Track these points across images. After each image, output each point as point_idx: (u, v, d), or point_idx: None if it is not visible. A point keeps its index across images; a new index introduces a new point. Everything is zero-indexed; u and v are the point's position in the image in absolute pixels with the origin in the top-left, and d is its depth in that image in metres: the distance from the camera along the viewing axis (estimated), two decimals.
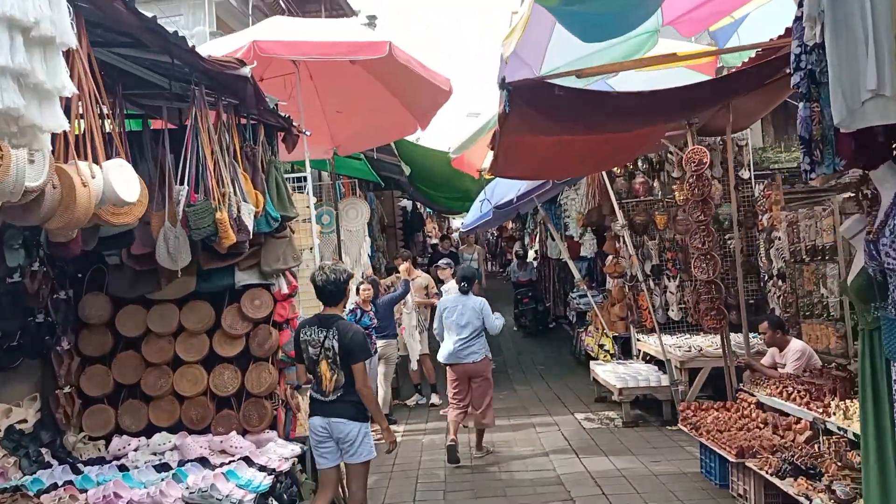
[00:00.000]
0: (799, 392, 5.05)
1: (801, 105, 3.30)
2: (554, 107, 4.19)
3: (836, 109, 3.09)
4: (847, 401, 4.53)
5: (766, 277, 9.07)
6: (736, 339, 7.99)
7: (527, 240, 18.83)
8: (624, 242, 9.37)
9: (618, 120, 4.66)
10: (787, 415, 5.11)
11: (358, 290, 8.20)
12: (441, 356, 7.04)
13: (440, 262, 9.75)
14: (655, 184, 9.55)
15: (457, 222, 27.99)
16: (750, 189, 9.57)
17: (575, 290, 13.61)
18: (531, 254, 16.60)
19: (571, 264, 10.03)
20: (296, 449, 5.22)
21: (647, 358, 9.12)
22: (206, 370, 5.40)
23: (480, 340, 6.89)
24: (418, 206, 21.50)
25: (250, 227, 4.55)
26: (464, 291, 6.99)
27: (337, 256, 9.04)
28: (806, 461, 4.13)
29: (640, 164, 9.59)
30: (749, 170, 9.53)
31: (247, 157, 4.97)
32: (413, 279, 9.84)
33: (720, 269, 5.95)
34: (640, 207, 9.46)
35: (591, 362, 9.39)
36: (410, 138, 10.12)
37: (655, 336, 9.05)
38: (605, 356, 9.94)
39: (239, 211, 4.47)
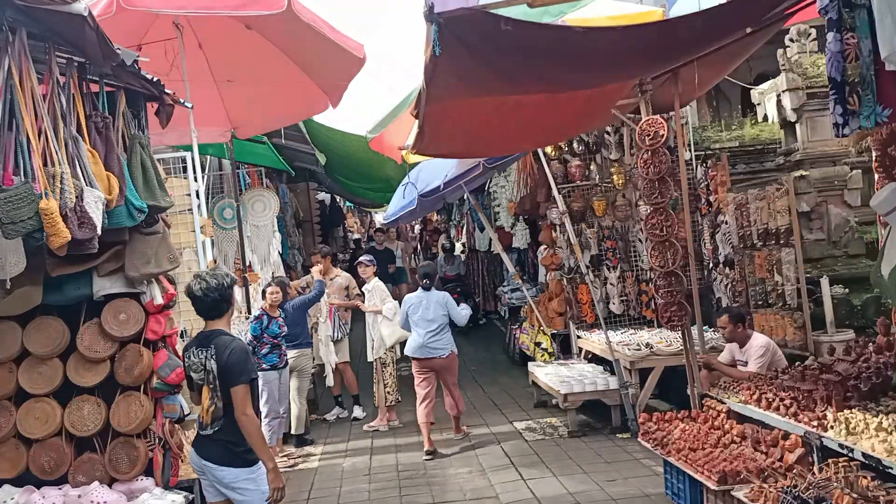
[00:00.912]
0: (782, 400, 4.31)
1: (829, 36, 2.46)
2: (497, 49, 3.25)
3: (884, 40, 2.26)
4: (847, 411, 3.81)
5: (711, 265, 8.47)
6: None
7: (452, 232, 17.95)
8: (562, 231, 8.59)
9: (576, 67, 3.74)
10: (770, 427, 4.36)
11: (264, 293, 7.12)
12: (409, 350, 7.13)
13: (362, 258, 8.70)
14: (592, 167, 8.81)
15: (379, 216, 26.77)
16: (691, 170, 8.95)
17: (505, 284, 12.85)
18: (458, 246, 15.71)
19: (505, 256, 9.20)
20: (177, 500, 4.14)
21: (590, 356, 8.38)
22: (60, 404, 4.28)
23: (448, 334, 7.12)
24: (337, 200, 20.30)
25: (97, 220, 3.44)
26: (426, 288, 7.17)
27: (240, 257, 7.90)
28: (812, 492, 3.37)
29: (575, 145, 8.84)
30: (689, 150, 8.90)
31: (98, 131, 3.84)
32: (332, 279, 8.78)
33: (681, 258, 5.17)
34: (577, 193, 8.69)
35: (529, 363, 8.57)
36: (322, 119, 9.02)
37: (598, 333, 8.31)
38: (543, 355, 9.15)
39: (81, 198, 3.36)
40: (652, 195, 5.14)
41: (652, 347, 6.83)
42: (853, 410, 3.81)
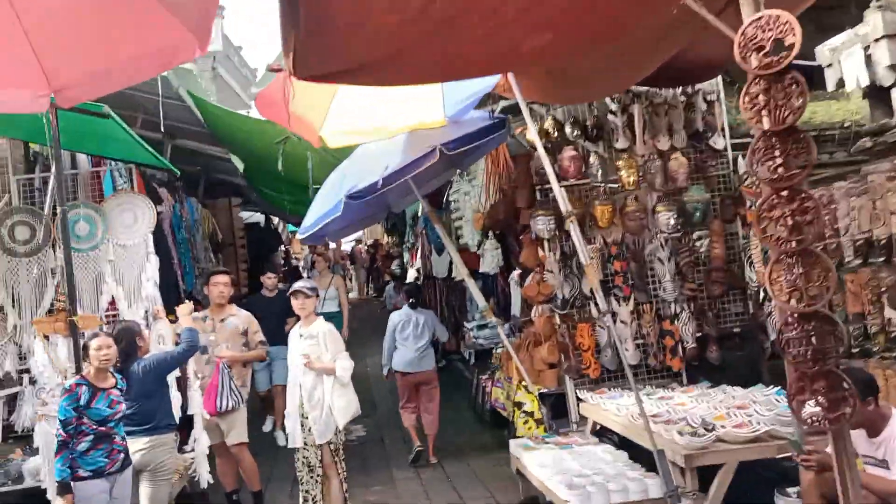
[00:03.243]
0: None
1: None
2: None
3: None
4: None
5: (763, 295, 6.05)
6: (750, 399, 4.92)
7: (406, 257, 15.33)
8: (552, 248, 6.10)
9: None
10: None
11: (86, 348, 4.39)
12: (398, 364, 7.29)
13: (300, 284, 5.76)
14: (592, 160, 6.34)
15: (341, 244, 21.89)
16: (726, 164, 6.57)
17: (471, 319, 10.29)
18: (412, 273, 13.08)
19: (472, 285, 6.64)
20: None
21: (598, 428, 5.83)
22: None
23: (432, 350, 7.46)
24: (273, 221, 17.49)
25: None
26: (413, 307, 7.44)
27: (65, 292, 5.15)
28: None
29: (568, 129, 6.38)
30: (724, 136, 6.52)
31: None
32: (222, 320, 6.11)
33: (833, 287, 2.67)
34: (574, 195, 6.22)
35: (512, 442, 5.93)
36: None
37: (609, 395, 5.80)
38: (527, 423, 6.54)
39: None
40: (773, 164, 2.62)
41: (715, 429, 4.29)
42: None
